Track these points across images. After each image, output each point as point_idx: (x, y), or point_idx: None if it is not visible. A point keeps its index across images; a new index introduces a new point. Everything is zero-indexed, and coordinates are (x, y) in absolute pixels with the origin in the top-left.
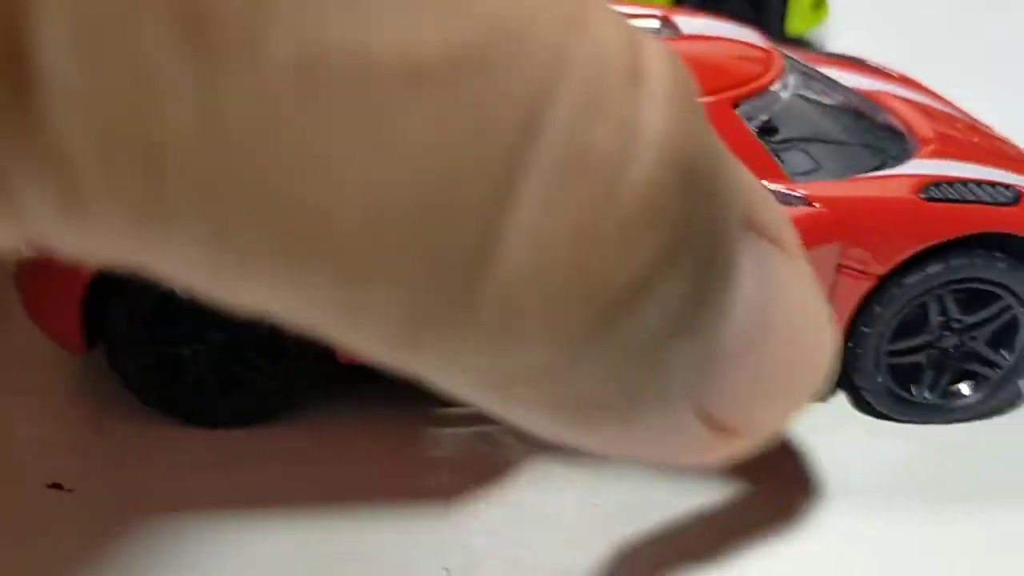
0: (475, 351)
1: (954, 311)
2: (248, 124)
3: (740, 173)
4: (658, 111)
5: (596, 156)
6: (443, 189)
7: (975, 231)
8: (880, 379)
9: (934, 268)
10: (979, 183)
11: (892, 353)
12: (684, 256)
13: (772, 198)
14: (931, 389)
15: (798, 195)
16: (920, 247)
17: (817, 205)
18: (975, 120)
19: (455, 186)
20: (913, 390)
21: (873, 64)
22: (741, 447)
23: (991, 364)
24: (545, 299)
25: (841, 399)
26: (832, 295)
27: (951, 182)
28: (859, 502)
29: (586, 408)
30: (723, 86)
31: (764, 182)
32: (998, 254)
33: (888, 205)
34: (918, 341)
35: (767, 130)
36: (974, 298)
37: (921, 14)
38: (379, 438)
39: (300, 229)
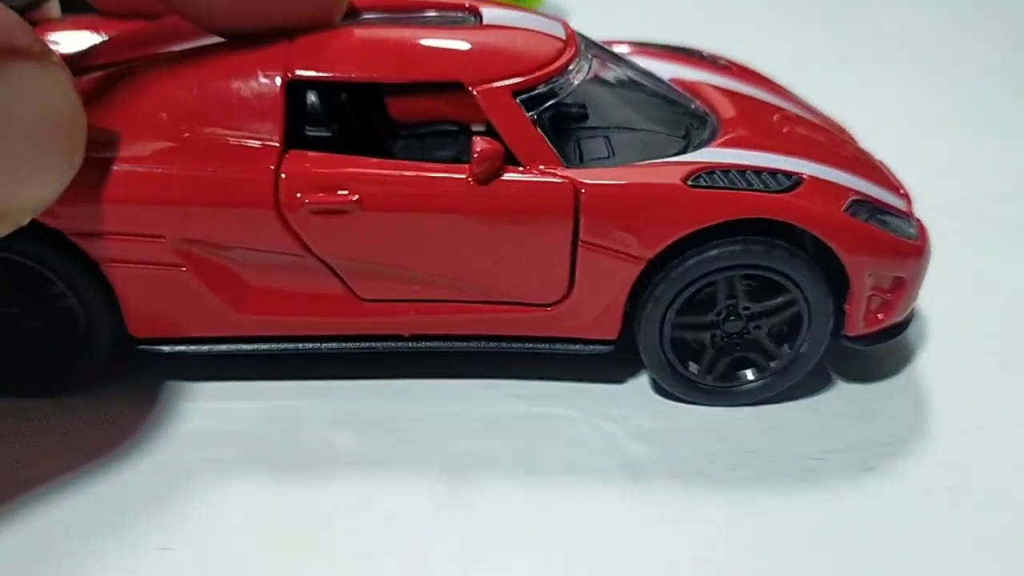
0: None
1: (742, 297)
2: None
3: None
4: None
5: None
6: None
7: (738, 216)
8: (662, 353)
9: (711, 252)
10: (758, 171)
11: (679, 326)
12: None
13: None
14: (708, 371)
15: (557, 180)
16: (684, 232)
17: (583, 191)
18: (801, 109)
19: None
20: (692, 367)
21: (704, 54)
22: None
23: (769, 356)
24: None
25: (642, 382)
26: (601, 274)
27: (726, 169)
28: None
29: None
30: (504, 74)
31: (541, 166)
32: (778, 241)
33: (651, 192)
34: (706, 319)
35: (566, 116)
36: (765, 288)
37: None
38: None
39: None
